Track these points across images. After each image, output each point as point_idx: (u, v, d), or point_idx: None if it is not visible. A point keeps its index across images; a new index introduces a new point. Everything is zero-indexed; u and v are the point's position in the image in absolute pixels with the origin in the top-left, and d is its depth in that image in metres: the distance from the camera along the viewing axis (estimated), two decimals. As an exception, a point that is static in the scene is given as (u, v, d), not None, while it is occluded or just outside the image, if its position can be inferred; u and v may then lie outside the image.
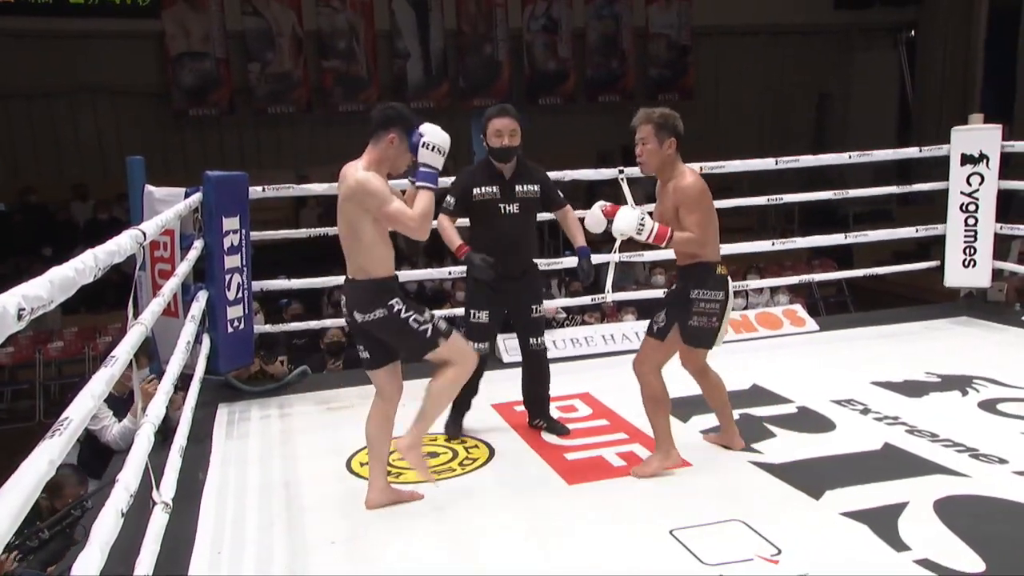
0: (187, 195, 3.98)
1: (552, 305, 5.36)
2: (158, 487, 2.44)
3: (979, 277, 5.25)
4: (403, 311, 2.69)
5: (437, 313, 2.91)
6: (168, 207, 3.62)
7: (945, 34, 13.50)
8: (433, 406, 2.82)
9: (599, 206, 3.00)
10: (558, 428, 3.56)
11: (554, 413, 3.72)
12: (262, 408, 4.10)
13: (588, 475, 3.08)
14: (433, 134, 2.69)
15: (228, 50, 12.03)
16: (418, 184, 2.70)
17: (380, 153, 2.73)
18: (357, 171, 2.70)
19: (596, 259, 5.15)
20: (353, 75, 12.54)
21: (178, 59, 11.87)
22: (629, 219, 2.88)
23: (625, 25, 13.57)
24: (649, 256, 5.75)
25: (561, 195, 3.57)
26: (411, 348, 2.77)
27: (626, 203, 4.91)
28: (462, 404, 3.55)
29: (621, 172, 4.89)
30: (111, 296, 8.34)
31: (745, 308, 6.71)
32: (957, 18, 13.24)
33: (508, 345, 4.45)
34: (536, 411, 3.61)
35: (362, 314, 2.71)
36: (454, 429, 3.56)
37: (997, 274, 5.40)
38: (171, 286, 3.20)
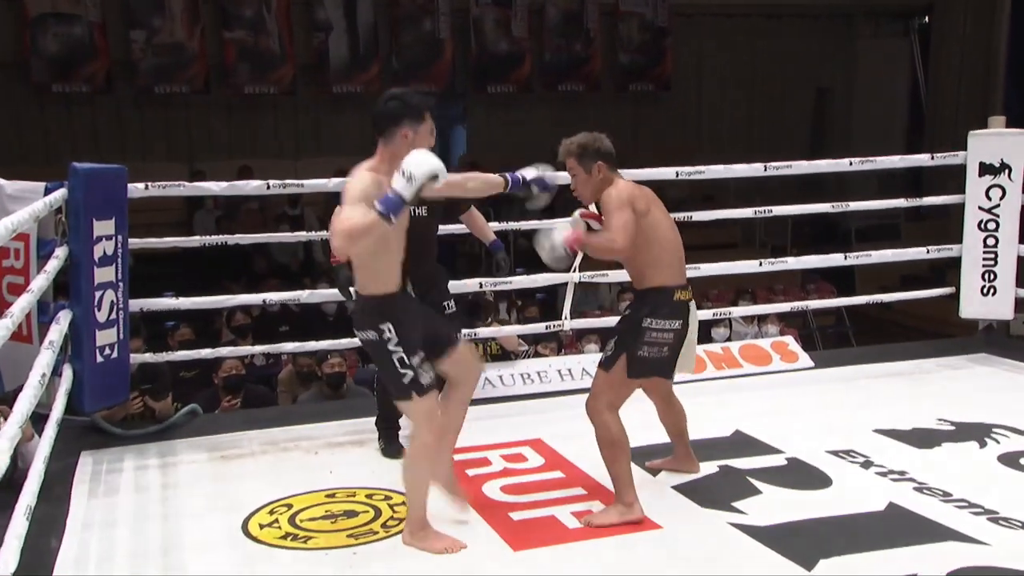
0: (47, 191, 3.89)
1: (508, 334, 5.37)
2: (-4, 557, 2.36)
3: (1000, 307, 5.39)
4: (392, 343, 2.86)
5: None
6: (22, 205, 3.53)
7: (964, 22, 13.94)
8: (410, 491, 3.04)
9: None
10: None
11: (498, 464, 3.79)
12: (138, 456, 4.01)
13: (538, 539, 3.08)
14: (412, 161, 2.71)
15: (104, 13, 11.79)
16: (376, 205, 2.71)
17: (393, 151, 2.87)
18: (354, 173, 2.88)
19: (553, 279, 5.22)
20: (262, 50, 12.42)
21: (39, 21, 11.56)
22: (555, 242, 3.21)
23: (591, 1, 13.76)
24: (615, 276, 5.81)
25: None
26: (391, 385, 2.96)
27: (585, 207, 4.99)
28: (390, 419, 3.87)
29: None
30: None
31: (729, 339, 6.79)
32: (978, 3, 13.70)
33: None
34: None
35: (358, 331, 2.97)
36: (391, 450, 3.89)
37: (1021, 304, 5.55)
38: (23, 304, 3.11)
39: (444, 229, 4.13)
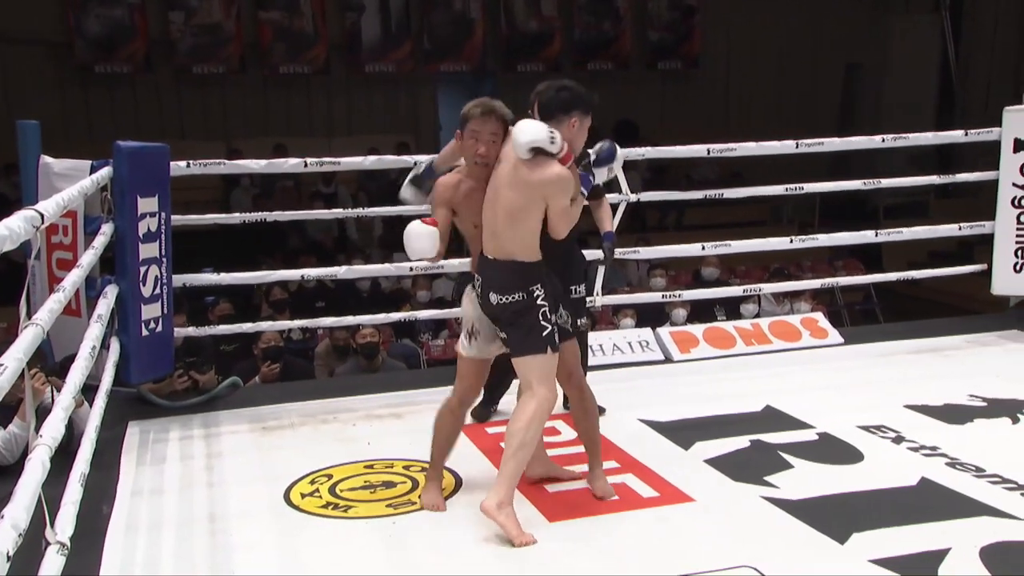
0: (93, 169, 3.93)
1: None
2: (52, 524, 2.40)
3: (1032, 284, 5.32)
4: (541, 299, 2.99)
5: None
6: (70, 183, 3.56)
7: (996, -2, 13.66)
8: (515, 451, 2.91)
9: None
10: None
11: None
12: (183, 427, 4.06)
13: (573, 511, 3.09)
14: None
15: (144, -6, 11.88)
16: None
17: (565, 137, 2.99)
18: (553, 164, 2.95)
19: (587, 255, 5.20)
20: (296, 30, 12.45)
21: (83, 3, 11.68)
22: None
23: (621, -21, 13.63)
24: (646, 253, 5.79)
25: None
26: (517, 340, 3.00)
27: (619, 189, 4.93)
28: (499, 385, 3.95)
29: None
30: (-5, 290, 8.18)
31: (757, 316, 6.76)
32: (1012, -24, 13.41)
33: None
34: None
35: (498, 295, 2.99)
36: (483, 413, 4.01)
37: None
38: (74, 279, 3.14)
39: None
